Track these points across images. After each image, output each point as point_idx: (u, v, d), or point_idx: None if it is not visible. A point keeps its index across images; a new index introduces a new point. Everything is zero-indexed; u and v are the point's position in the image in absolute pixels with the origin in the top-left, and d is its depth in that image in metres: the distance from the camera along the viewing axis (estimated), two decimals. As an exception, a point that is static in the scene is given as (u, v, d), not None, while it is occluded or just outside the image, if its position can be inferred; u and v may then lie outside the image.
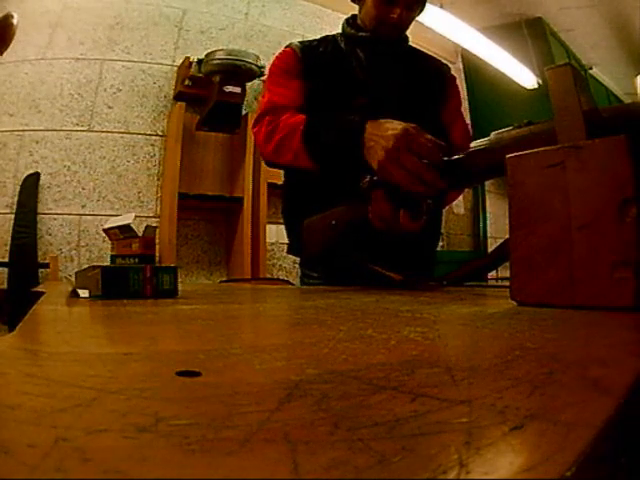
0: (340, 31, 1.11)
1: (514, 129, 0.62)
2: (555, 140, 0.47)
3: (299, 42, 1.08)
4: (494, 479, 0.11)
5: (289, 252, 1.11)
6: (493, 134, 0.66)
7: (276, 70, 1.06)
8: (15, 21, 0.40)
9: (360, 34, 1.05)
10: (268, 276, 2.63)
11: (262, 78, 2.68)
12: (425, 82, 1.10)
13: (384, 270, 0.89)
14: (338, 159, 0.82)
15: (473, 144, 0.69)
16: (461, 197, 3.81)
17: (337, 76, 1.03)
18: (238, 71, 2.44)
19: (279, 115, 0.94)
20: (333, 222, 0.87)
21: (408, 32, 1.09)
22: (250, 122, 2.62)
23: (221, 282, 2.37)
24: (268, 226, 2.62)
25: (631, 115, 0.51)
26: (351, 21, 1.10)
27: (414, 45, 1.17)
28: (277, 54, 1.08)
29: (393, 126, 0.73)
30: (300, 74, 1.02)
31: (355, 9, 1.09)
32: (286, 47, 1.08)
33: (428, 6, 1.05)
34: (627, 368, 0.21)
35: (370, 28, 1.03)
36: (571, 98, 0.47)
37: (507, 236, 0.51)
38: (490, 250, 0.88)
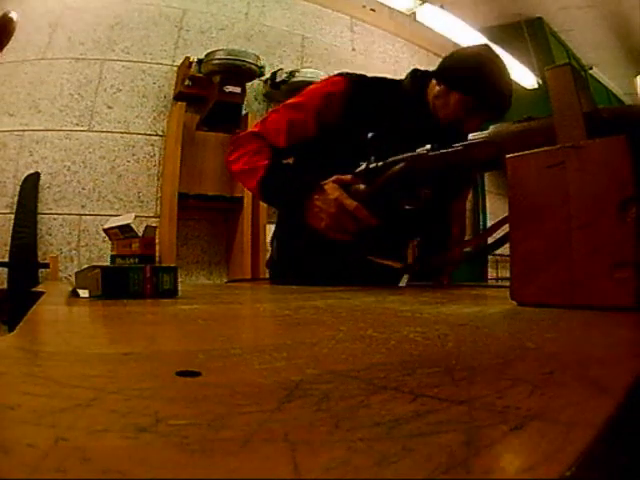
0: (404, 80, 1.04)
1: (513, 124, 0.63)
2: (554, 137, 0.47)
3: (357, 76, 1.03)
4: (494, 479, 0.11)
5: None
6: (492, 127, 0.66)
7: (316, 94, 1.01)
8: (15, 18, 0.40)
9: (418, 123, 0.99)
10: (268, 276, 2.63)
11: (262, 78, 2.68)
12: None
13: (383, 259, 0.91)
14: (286, 211, 0.95)
15: (471, 136, 0.70)
16: (461, 197, 3.83)
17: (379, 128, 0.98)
18: (238, 71, 2.43)
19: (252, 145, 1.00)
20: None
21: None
22: (250, 122, 2.62)
23: (228, 282, 2.37)
24: (268, 226, 2.62)
25: (631, 116, 0.51)
26: (419, 85, 1.02)
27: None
28: (331, 77, 1.04)
29: (329, 203, 0.87)
30: (328, 114, 0.99)
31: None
32: (340, 75, 1.03)
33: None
34: (627, 368, 0.21)
35: (436, 116, 0.97)
36: (571, 98, 0.47)
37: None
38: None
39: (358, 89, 1.00)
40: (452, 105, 0.95)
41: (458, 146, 0.72)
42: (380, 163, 0.85)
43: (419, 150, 0.79)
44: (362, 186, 0.88)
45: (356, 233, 0.86)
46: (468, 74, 0.94)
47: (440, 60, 1.02)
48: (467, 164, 0.71)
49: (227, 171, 1.10)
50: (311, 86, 1.07)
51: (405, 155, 0.81)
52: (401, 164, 0.80)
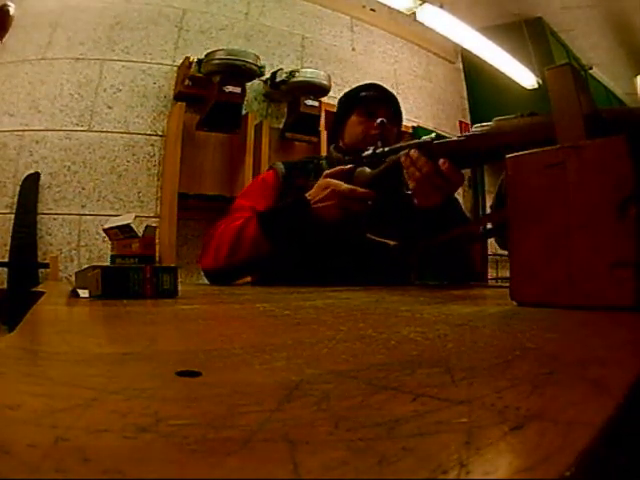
0: (325, 154, 1.21)
1: (516, 117, 0.63)
2: (555, 134, 0.47)
3: (282, 163, 1.17)
4: (494, 479, 0.11)
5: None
6: (495, 120, 0.67)
7: (254, 183, 1.19)
8: (12, 10, 0.40)
9: (346, 158, 1.08)
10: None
11: (262, 78, 2.68)
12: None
13: (379, 238, 0.94)
14: (295, 234, 0.94)
15: (475, 127, 0.71)
16: (461, 197, 3.82)
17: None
18: (238, 71, 2.43)
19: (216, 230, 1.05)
20: None
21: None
22: (250, 122, 2.62)
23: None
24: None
25: (631, 116, 0.51)
26: (338, 147, 1.18)
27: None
28: (262, 173, 1.20)
29: (329, 196, 0.91)
30: (275, 193, 1.11)
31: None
32: (270, 168, 1.18)
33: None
34: (627, 368, 0.21)
35: (357, 147, 1.06)
36: (571, 98, 0.47)
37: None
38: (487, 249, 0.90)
39: (288, 170, 1.15)
40: (355, 123, 1.13)
41: (462, 136, 0.74)
42: (386, 149, 0.89)
43: (424, 138, 0.83)
44: (367, 170, 0.93)
45: (366, 209, 0.90)
46: (343, 97, 1.22)
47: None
48: (470, 154, 0.73)
49: (209, 270, 1.06)
50: (251, 181, 1.31)
51: (411, 142, 0.85)
52: (406, 150, 0.83)
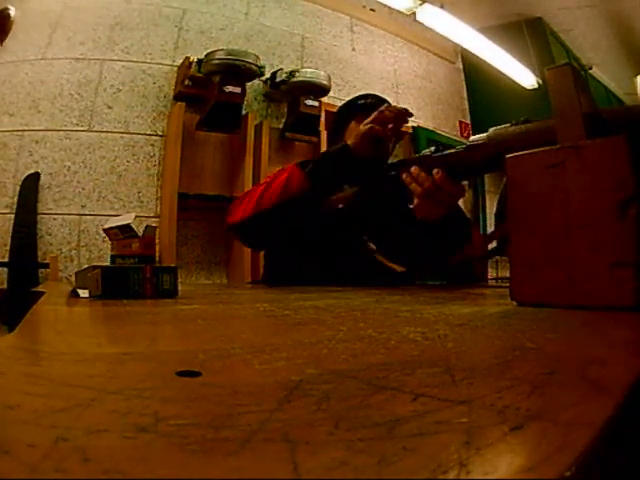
0: None
1: (512, 126, 0.64)
2: (551, 138, 0.47)
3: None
4: (494, 479, 0.11)
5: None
6: (491, 130, 0.68)
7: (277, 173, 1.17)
8: (12, 13, 0.40)
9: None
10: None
11: (262, 78, 2.68)
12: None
13: (387, 261, 0.94)
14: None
15: (472, 139, 0.72)
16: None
17: None
18: (238, 71, 2.43)
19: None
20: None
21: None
22: (250, 122, 2.62)
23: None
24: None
25: (631, 116, 0.51)
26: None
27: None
28: (281, 169, 1.16)
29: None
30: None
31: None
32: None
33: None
34: (627, 368, 0.21)
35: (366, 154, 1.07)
36: (571, 98, 0.47)
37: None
38: (490, 247, 0.92)
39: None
40: (356, 127, 1.12)
41: (460, 148, 0.75)
42: (389, 164, 0.92)
43: (424, 152, 0.85)
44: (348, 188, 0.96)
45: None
46: (341, 107, 1.27)
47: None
48: (468, 165, 0.74)
49: (237, 221, 1.03)
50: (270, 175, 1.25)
51: (413, 157, 0.88)
52: (406, 166, 0.85)
